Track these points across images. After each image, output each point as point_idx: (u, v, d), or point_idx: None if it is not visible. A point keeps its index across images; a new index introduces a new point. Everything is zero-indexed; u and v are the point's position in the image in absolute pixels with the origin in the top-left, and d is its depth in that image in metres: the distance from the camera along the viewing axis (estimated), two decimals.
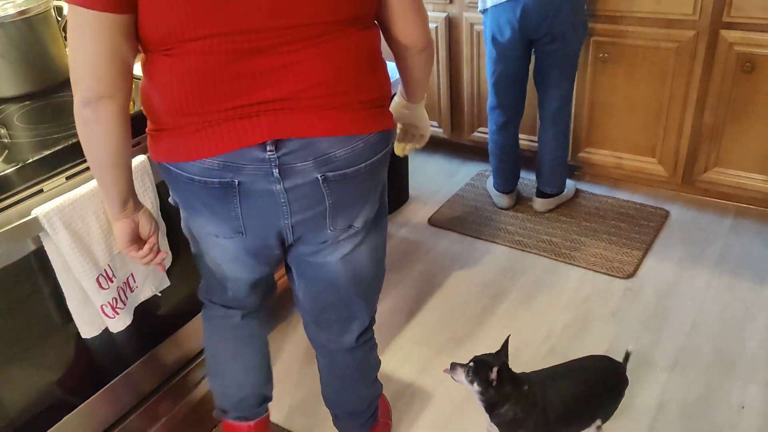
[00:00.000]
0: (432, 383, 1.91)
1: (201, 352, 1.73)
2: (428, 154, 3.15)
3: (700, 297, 2.15)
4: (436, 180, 2.96)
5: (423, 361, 1.99)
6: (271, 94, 1.02)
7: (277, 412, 1.85)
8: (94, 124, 1.02)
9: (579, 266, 2.33)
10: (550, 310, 2.15)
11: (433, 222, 2.65)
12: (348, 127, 1.08)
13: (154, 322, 1.57)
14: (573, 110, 2.50)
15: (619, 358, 1.67)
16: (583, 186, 2.79)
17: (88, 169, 1.32)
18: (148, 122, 1.11)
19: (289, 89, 1.02)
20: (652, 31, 2.31)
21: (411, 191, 2.84)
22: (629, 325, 2.05)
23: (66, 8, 1.60)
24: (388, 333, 2.11)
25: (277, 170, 1.06)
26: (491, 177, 2.75)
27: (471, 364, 1.50)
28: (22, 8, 1.52)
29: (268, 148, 1.04)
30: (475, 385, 1.48)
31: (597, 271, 2.30)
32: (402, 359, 2.01)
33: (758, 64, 2.18)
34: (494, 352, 1.55)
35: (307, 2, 0.98)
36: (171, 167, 1.09)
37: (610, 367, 1.64)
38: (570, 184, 2.69)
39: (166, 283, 1.50)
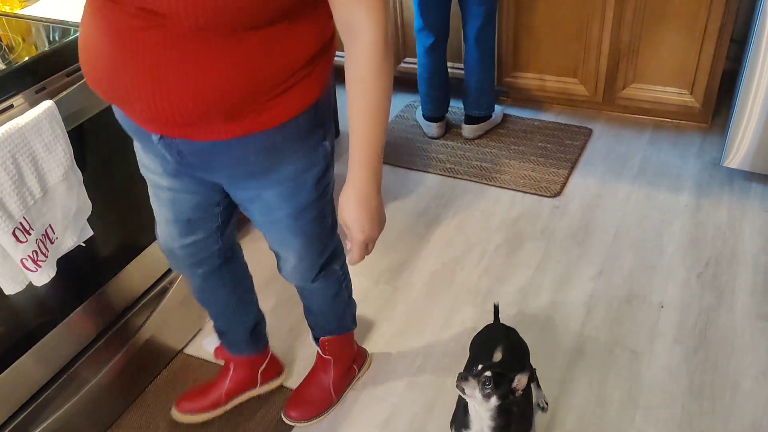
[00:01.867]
0: (372, 312, 1.96)
1: (141, 295, 1.71)
2: None
3: (621, 208, 2.26)
4: None
5: (363, 291, 2.03)
6: None
7: None
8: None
9: (509, 188, 2.40)
10: (482, 232, 2.22)
11: None
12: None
13: (85, 272, 1.54)
14: (496, 33, 2.50)
15: (547, 274, 1.74)
16: (510, 111, 2.83)
17: None
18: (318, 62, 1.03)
19: None
20: None
21: (341, 126, 2.82)
22: (557, 241, 2.14)
23: None
24: None
25: None
26: (420, 107, 2.75)
27: (487, 374, 1.19)
28: None
29: None
30: (493, 399, 1.19)
31: (526, 192, 2.37)
32: None
33: None
34: (501, 350, 1.38)
35: None
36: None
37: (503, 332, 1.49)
38: (498, 110, 2.73)
39: (89, 233, 1.46)
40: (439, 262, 2.11)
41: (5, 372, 1.38)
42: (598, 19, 2.42)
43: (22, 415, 1.44)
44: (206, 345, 1.83)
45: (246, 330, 1.61)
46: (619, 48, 2.46)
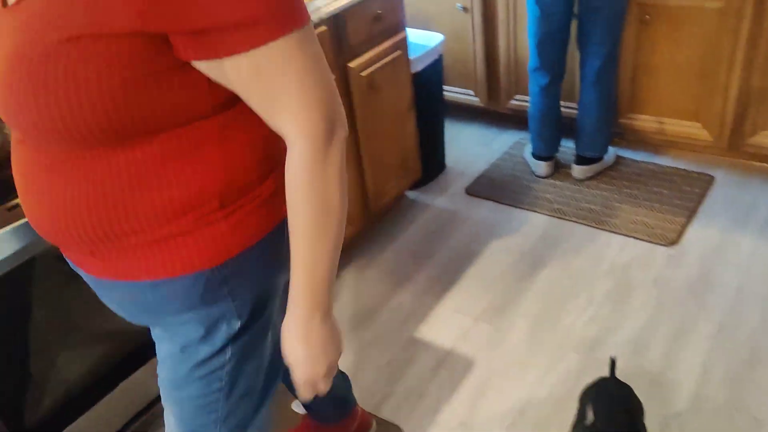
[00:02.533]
0: (471, 350, 1.93)
1: None
2: (464, 123, 3.12)
3: (745, 262, 2.11)
4: (472, 149, 2.94)
5: (462, 329, 2.01)
6: None
7: None
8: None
9: (619, 233, 2.31)
10: (590, 277, 2.14)
11: (470, 191, 2.64)
12: None
13: None
14: (615, 71, 2.44)
15: (666, 323, 1.65)
16: (624, 153, 2.73)
17: None
18: (251, 192, 0.84)
19: None
20: None
21: (447, 161, 2.84)
22: (671, 292, 2.03)
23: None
24: (427, 301, 2.13)
25: None
26: (529, 145, 2.72)
27: None
28: None
29: None
30: None
31: (638, 238, 2.27)
32: (441, 327, 2.03)
33: None
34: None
35: None
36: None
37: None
38: (611, 152, 2.65)
39: None
40: (543, 305, 2.06)
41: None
42: (726, 62, 2.31)
43: None
44: (295, 407, 1.78)
45: (329, 402, 1.51)
46: (749, 92, 2.32)
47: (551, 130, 2.56)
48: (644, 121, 2.61)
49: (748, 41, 2.24)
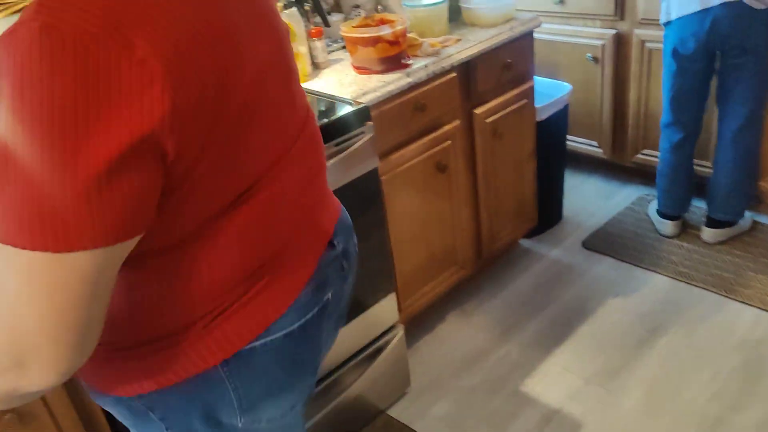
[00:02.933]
0: (581, 412, 1.85)
1: (356, 352, 1.81)
2: (586, 174, 3.04)
3: None
4: (592, 201, 2.85)
5: (572, 389, 1.93)
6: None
7: (421, 422, 1.88)
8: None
9: (753, 305, 2.14)
10: (717, 350, 1.99)
11: (587, 245, 2.56)
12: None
13: None
14: (758, 133, 2.29)
15: None
16: (762, 219, 2.55)
17: None
18: (185, 330, 0.78)
19: (312, 180, 0.89)
20: None
21: (565, 211, 2.77)
22: None
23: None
24: (535, 355, 2.07)
25: (345, 261, 0.94)
26: (654, 202, 2.60)
27: None
28: None
29: (335, 240, 0.92)
30: None
31: None
32: (549, 383, 1.96)
33: None
34: None
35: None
36: (257, 345, 0.81)
37: None
38: (747, 216, 2.48)
39: None
40: (661, 373, 1.94)
41: None
42: None
43: None
44: None
45: None
46: None
47: (681, 188, 2.43)
48: None
49: None
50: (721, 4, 2.02)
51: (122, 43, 0.57)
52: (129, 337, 0.79)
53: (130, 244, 0.64)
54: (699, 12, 2.07)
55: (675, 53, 2.20)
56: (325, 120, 1.59)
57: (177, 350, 0.78)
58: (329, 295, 0.90)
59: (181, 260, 0.74)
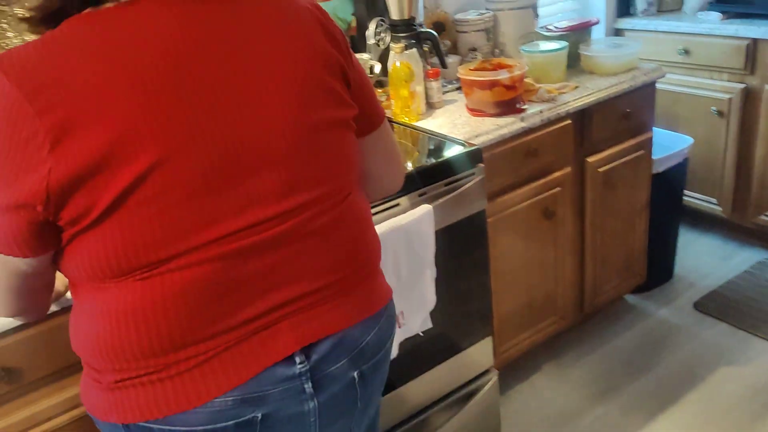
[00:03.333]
0: None
1: (446, 395, 1.79)
2: (701, 231, 2.88)
3: None
4: (707, 261, 2.69)
5: None
6: (287, 294, 0.83)
7: None
8: None
9: None
10: None
11: (699, 307, 2.41)
12: (373, 302, 0.92)
13: (407, 359, 1.68)
14: None
15: None
16: None
17: (380, 212, 1.47)
18: (98, 373, 0.84)
19: (307, 281, 0.84)
20: None
21: (677, 269, 2.63)
22: None
23: (377, 67, 1.79)
24: (637, 419, 1.96)
25: (310, 384, 0.86)
26: None
27: None
28: None
29: (297, 359, 0.84)
30: None
31: None
32: None
33: None
34: None
35: (323, 168, 0.85)
36: (154, 426, 0.82)
37: None
38: None
39: (429, 324, 1.59)
40: None
41: None
42: None
43: None
44: None
45: None
46: None
47: None
48: None
49: None
50: None
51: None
52: (91, 362, 0.86)
53: (13, 260, 0.79)
54: None
55: None
56: (436, 159, 1.62)
57: (104, 389, 0.84)
58: (260, 414, 0.83)
59: (92, 302, 0.81)
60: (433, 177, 1.58)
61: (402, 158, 1.11)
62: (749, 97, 2.50)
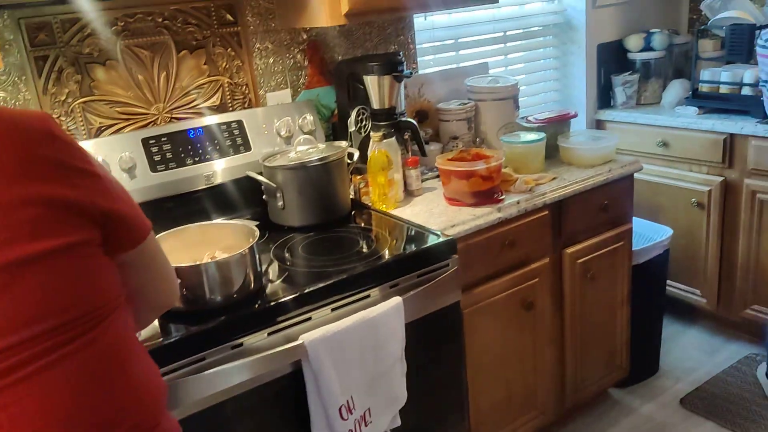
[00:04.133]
0: None
1: None
2: (686, 324, 2.84)
3: None
4: (693, 355, 2.63)
5: None
6: None
7: None
8: None
9: None
10: None
11: (686, 404, 2.33)
12: None
13: None
14: None
15: None
16: None
17: (350, 304, 1.44)
18: None
19: None
20: None
21: (662, 362, 2.57)
22: None
23: (356, 154, 1.81)
24: None
25: None
26: (764, 364, 2.37)
27: None
28: (324, 154, 1.77)
29: None
30: None
31: None
32: None
33: None
34: None
35: (35, 306, 0.75)
36: None
37: None
38: None
39: (398, 422, 1.53)
40: None
41: None
42: None
43: None
44: None
45: None
46: None
47: None
48: None
49: None
50: None
51: None
52: None
53: None
54: None
55: None
56: (410, 250, 1.60)
57: None
58: None
59: None
60: (406, 268, 1.55)
61: (172, 271, 1.04)
62: (729, 190, 2.52)
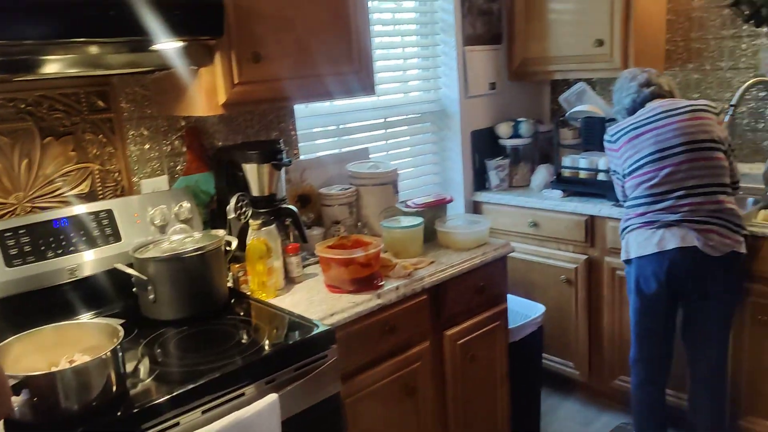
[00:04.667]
0: None
1: None
2: (563, 395, 2.96)
3: None
4: (570, 426, 2.74)
5: None
6: None
7: None
8: None
9: None
10: None
11: None
12: None
13: None
14: (729, 374, 2.27)
15: None
16: None
17: (222, 404, 1.38)
18: None
19: None
20: None
21: None
22: None
23: (234, 242, 1.78)
24: None
25: None
26: None
27: None
28: (200, 244, 1.73)
29: None
30: None
31: None
32: None
33: None
34: None
35: None
36: None
37: None
38: None
39: None
40: None
41: None
42: None
43: None
44: None
45: None
46: None
47: (654, 425, 2.34)
48: (766, 427, 2.34)
49: None
50: (676, 248, 2.07)
51: None
52: None
53: None
54: (656, 254, 2.11)
55: (639, 291, 2.21)
56: (287, 342, 1.57)
57: None
58: None
59: None
60: (283, 361, 1.52)
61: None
62: (593, 267, 2.71)
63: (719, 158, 2.11)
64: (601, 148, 2.74)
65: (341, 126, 2.63)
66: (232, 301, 1.84)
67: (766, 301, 2.24)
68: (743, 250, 2.10)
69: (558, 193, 2.83)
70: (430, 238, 2.29)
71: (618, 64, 2.69)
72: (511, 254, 2.29)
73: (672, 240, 2.07)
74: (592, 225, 2.68)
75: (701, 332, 2.19)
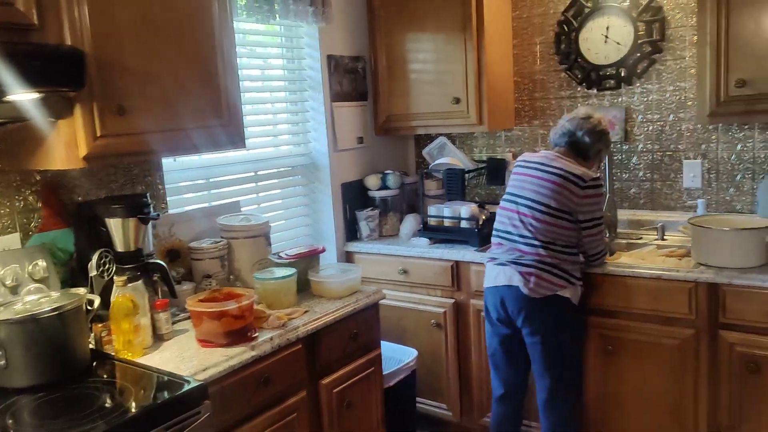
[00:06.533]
0: None
1: None
2: None
3: None
4: None
5: None
6: None
7: None
8: None
9: None
10: None
11: None
12: None
13: None
14: (572, 404, 2.45)
15: None
16: None
17: None
18: None
19: None
20: (652, 327, 2.39)
21: None
22: None
23: (97, 301, 1.70)
24: None
25: None
26: None
27: None
28: (57, 304, 1.64)
29: None
30: None
31: None
32: None
33: (763, 365, 2.20)
34: None
35: None
36: None
37: None
38: None
39: None
40: None
41: None
42: (692, 398, 2.35)
43: None
44: None
45: None
46: (719, 430, 2.33)
47: None
48: None
49: (709, 379, 2.31)
50: (505, 286, 2.31)
51: None
52: None
53: None
54: (493, 287, 2.36)
55: (488, 315, 2.44)
56: (155, 402, 1.52)
57: None
58: None
59: None
60: (151, 422, 1.46)
61: None
62: (460, 310, 2.85)
63: (561, 225, 2.28)
64: (463, 197, 2.94)
65: (211, 179, 2.62)
66: (94, 363, 1.74)
67: (610, 332, 2.47)
68: (568, 294, 2.30)
69: (425, 240, 2.97)
70: (304, 288, 2.31)
71: (474, 120, 2.92)
72: (383, 301, 2.37)
73: (502, 277, 2.31)
74: (457, 270, 2.83)
75: (534, 362, 2.39)
